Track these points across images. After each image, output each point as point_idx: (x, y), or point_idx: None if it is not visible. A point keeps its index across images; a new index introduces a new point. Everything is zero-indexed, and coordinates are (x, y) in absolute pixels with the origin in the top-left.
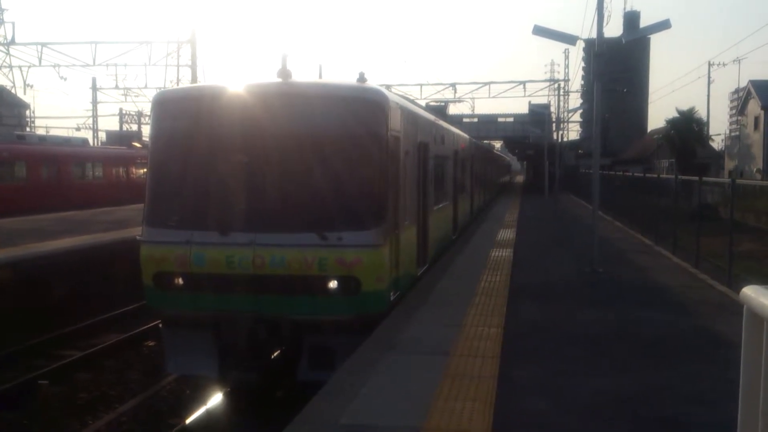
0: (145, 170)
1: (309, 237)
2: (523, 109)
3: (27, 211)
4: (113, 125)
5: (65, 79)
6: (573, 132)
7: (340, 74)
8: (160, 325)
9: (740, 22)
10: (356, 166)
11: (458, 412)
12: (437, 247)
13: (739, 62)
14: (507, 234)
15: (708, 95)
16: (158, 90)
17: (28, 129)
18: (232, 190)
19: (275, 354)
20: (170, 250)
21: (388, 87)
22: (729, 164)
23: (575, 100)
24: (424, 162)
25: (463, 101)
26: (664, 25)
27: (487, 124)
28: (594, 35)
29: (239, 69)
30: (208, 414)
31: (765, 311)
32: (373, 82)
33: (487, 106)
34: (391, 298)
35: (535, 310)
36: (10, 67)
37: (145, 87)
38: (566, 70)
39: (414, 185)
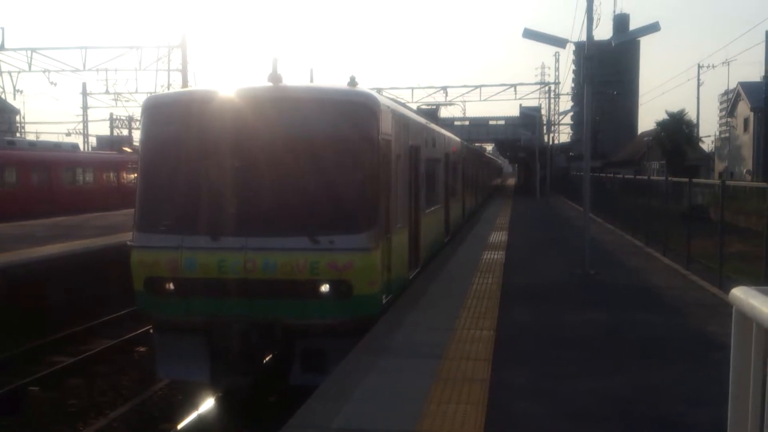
0: (136, 175)
1: (300, 241)
2: (514, 111)
3: (18, 216)
4: (104, 130)
5: (55, 85)
6: (564, 134)
7: (331, 78)
8: (152, 330)
9: (729, 24)
10: (347, 169)
11: (450, 416)
12: (429, 250)
13: (729, 64)
14: (499, 236)
15: (698, 97)
16: (149, 95)
17: (18, 134)
18: (223, 195)
19: (267, 358)
20: (161, 255)
21: (379, 90)
22: (719, 166)
23: (566, 103)
24: (416, 165)
25: (454, 104)
26: (653, 28)
27: (479, 127)
28: (584, 38)
29: (230, 73)
30: (200, 419)
31: (754, 312)
32: (364, 85)
33: (478, 109)
34: (383, 302)
35: (528, 313)
36: (0, 72)
37: (136, 92)
38: (556, 72)
39: (405, 188)
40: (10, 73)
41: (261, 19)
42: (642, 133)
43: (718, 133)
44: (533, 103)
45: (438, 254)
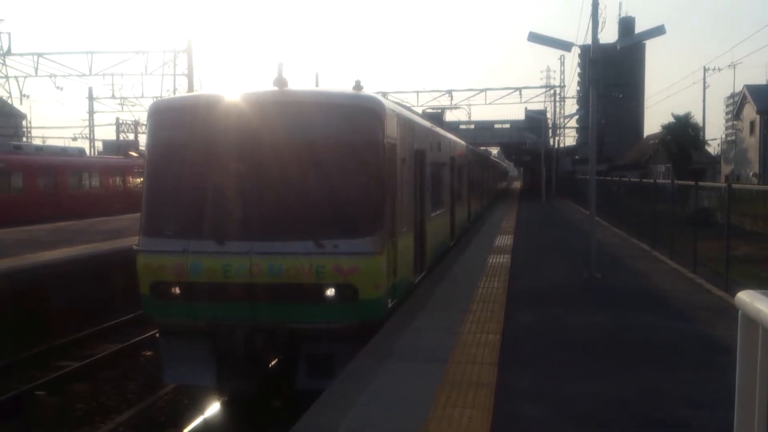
0: (141, 179)
1: (306, 245)
2: (519, 115)
3: (24, 221)
4: (110, 135)
5: (62, 89)
6: (569, 138)
7: (337, 82)
8: (157, 335)
9: (735, 27)
10: (353, 173)
11: (456, 420)
12: (435, 253)
13: (734, 67)
14: (504, 240)
15: (704, 100)
16: (155, 99)
17: (24, 139)
18: (229, 199)
19: (273, 362)
20: (167, 260)
21: (384, 94)
22: (725, 169)
23: (571, 106)
24: (421, 169)
25: (459, 108)
26: (658, 31)
27: (484, 131)
28: (589, 41)
29: (236, 78)
30: (206, 424)
31: (760, 316)
32: (370, 89)
33: (483, 112)
34: (389, 306)
35: (533, 316)
36: (7, 77)
37: (142, 96)
38: (562, 75)
39: (411, 192)
40: (16, 77)
41: (266, 23)
42: (648, 136)
43: (724, 136)
44: (539, 107)
45: (443, 258)
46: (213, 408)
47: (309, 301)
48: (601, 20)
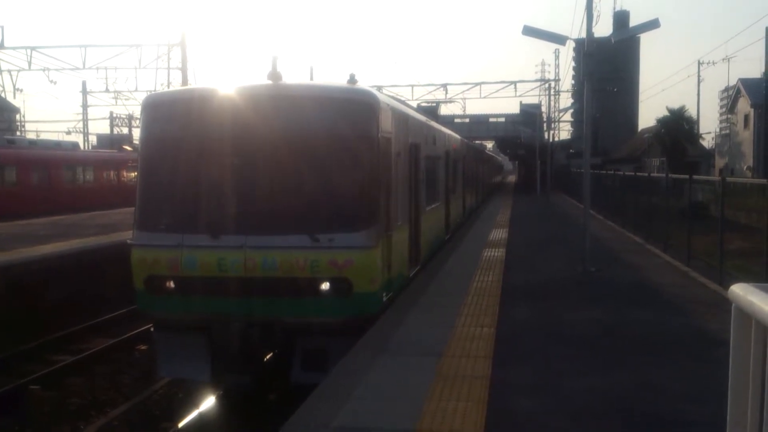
0: (135, 173)
1: (300, 239)
2: (514, 109)
3: (18, 215)
4: (104, 129)
5: (55, 83)
6: (564, 131)
7: (331, 75)
8: (152, 329)
9: (729, 20)
10: (347, 167)
11: (451, 413)
12: (429, 247)
13: (729, 61)
14: (499, 234)
15: (698, 94)
16: (149, 93)
17: (18, 133)
18: (223, 193)
19: (268, 357)
20: (161, 254)
21: (379, 88)
22: (719, 162)
23: (566, 100)
24: (416, 163)
25: (454, 102)
26: (653, 25)
27: (479, 125)
28: (584, 35)
29: (230, 71)
30: (201, 417)
31: (753, 309)
32: (364, 83)
33: (478, 106)
34: (384, 300)
35: (528, 310)
36: (0, 71)
37: (136, 90)
38: (557, 69)
39: (405, 186)
40: (9, 71)
41: (261, 16)
42: (642, 130)
43: (718, 130)
44: (533, 101)
45: (438, 252)
46: (208, 402)
47: (304, 295)
48: (595, 14)
